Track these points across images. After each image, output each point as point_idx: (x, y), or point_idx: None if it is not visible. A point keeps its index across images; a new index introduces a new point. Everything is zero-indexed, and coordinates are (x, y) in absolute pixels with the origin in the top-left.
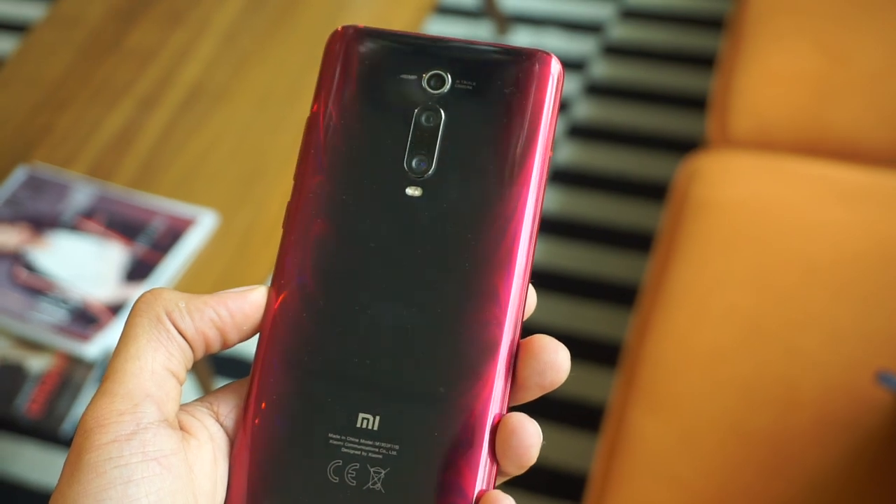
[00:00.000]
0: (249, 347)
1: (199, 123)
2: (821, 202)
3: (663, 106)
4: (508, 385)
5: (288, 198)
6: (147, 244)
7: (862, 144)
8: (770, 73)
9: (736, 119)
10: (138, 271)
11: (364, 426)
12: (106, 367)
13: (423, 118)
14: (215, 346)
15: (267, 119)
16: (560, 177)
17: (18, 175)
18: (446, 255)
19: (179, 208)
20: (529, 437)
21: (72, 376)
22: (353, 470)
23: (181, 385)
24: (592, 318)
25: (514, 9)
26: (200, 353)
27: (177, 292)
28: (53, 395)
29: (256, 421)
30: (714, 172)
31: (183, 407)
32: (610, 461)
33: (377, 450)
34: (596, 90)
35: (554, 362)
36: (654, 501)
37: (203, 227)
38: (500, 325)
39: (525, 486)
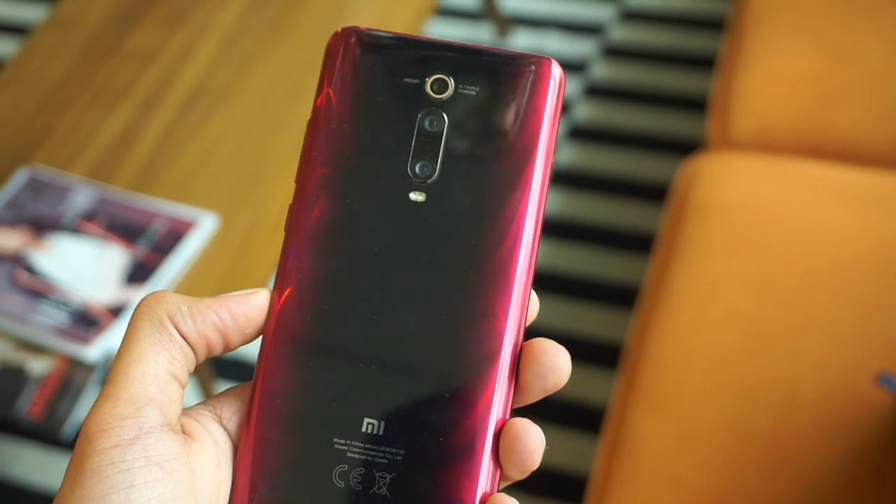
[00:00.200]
0: (251, 350)
1: (199, 125)
2: (821, 203)
3: (664, 107)
4: (511, 389)
5: (289, 200)
6: (148, 246)
7: (863, 145)
8: (770, 74)
9: (736, 120)
10: (139, 274)
11: (369, 431)
12: (107, 370)
13: (426, 123)
14: (217, 350)
15: (268, 121)
16: (560, 178)
17: (19, 177)
18: (449, 260)
19: (180, 210)
20: (533, 442)
21: (72, 379)
22: (358, 474)
23: (183, 388)
24: (593, 320)
25: (515, 10)
26: (202, 357)
27: (179, 295)
28: (54, 397)
29: (260, 425)
30: (714, 174)
31: (186, 411)
32: (610, 462)
33: (382, 454)
34: (596, 92)
35: (555, 366)
36: (654, 502)
37: (204, 229)
38: (503, 330)
39: (526, 488)
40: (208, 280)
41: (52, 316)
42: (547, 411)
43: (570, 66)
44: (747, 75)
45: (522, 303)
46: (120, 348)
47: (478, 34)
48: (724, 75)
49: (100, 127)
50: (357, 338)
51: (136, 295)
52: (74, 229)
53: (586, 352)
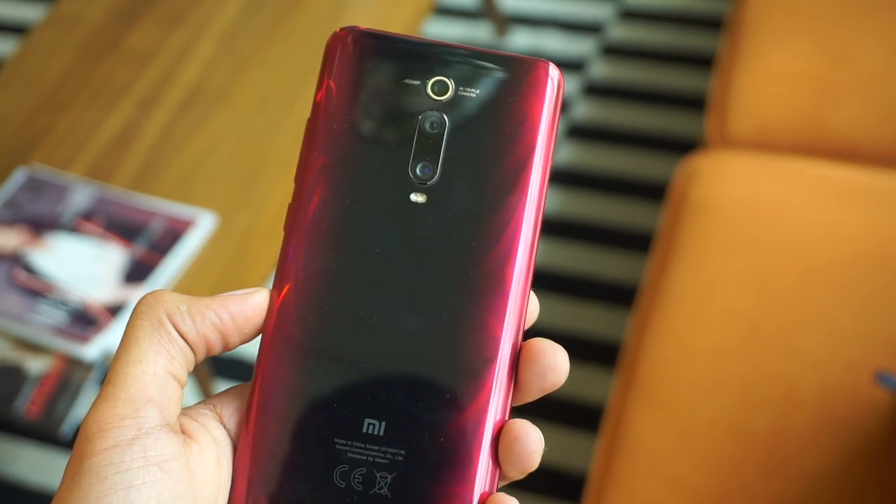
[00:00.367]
0: (250, 349)
1: (198, 125)
2: (820, 202)
3: (662, 106)
4: (511, 390)
5: (287, 199)
6: (146, 245)
7: (861, 144)
8: (769, 73)
9: (735, 119)
10: (137, 273)
11: (370, 431)
12: (105, 369)
13: (427, 124)
14: (216, 349)
15: (266, 120)
16: (559, 177)
17: (18, 177)
18: (449, 261)
19: (178, 210)
20: (532, 443)
21: (71, 378)
22: (359, 475)
23: (183, 388)
24: (591, 319)
25: (513, 9)
26: (202, 356)
27: (178, 294)
28: (52, 396)
29: (259, 424)
30: (713, 173)
31: (186, 410)
32: (609, 461)
33: (383, 455)
34: (595, 90)
35: (553, 365)
36: (653, 501)
37: (202, 228)
38: (503, 331)
39: (525, 487)
40: (206, 279)
41: (51, 315)
42: (546, 410)
43: (569, 65)
44: (746, 74)
45: (521, 304)
46: (119, 348)
47: (476, 33)
48: (723, 74)
49: (98, 126)
50: (357, 338)
51: (135, 294)
52: (73, 228)
53: (585, 350)
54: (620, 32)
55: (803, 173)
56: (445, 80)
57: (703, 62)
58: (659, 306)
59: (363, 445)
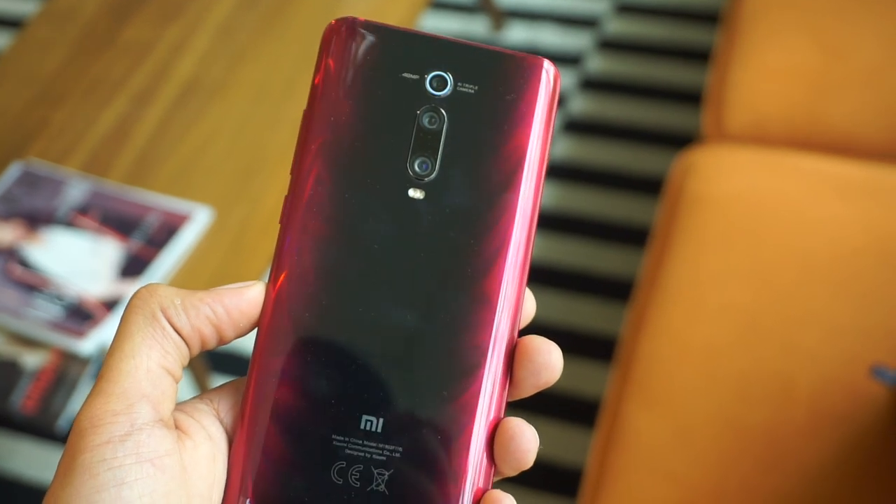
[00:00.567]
0: (247, 344)
1: (194, 119)
2: (817, 197)
3: (659, 100)
4: (506, 387)
5: (283, 194)
6: (142, 240)
7: (859, 139)
8: (766, 68)
9: (732, 113)
10: (133, 267)
11: (368, 428)
12: (101, 364)
13: (425, 120)
14: (211, 343)
15: (262, 114)
16: (555, 171)
17: (13, 171)
18: (444, 257)
19: (174, 204)
20: (527, 442)
21: (67, 372)
22: (356, 471)
23: (177, 383)
24: (587, 313)
25: (510, 3)
26: (196, 351)
27: (172, 288)
28: (48, 391)
29: (255, 420)
30: (710, 167)
31: (181, 405)
32: (605, 456)
33: (381, 452)
34: (591, 85)
35: (548, 363)
36: (649, 496)
37: (198, 222)
38: (498, 328)
39: (520, 482)
40: (202, 274)
41: (47, 309)
42: (542, 404)
43: (565, 60)
44: (742, 68)
45: (517, 301)
46: (112, 342)
47: (472, 27)
48: (720, 68)
49: (94, 120)
50: (353, 333)
51: (130, 288)
52: (68, 223)
53: (581, 345)
54: (617, 26)
55: (800, 168)
56: (445, 75)
57: (699, 56)
58: (655, 301)
59: (361, 442)
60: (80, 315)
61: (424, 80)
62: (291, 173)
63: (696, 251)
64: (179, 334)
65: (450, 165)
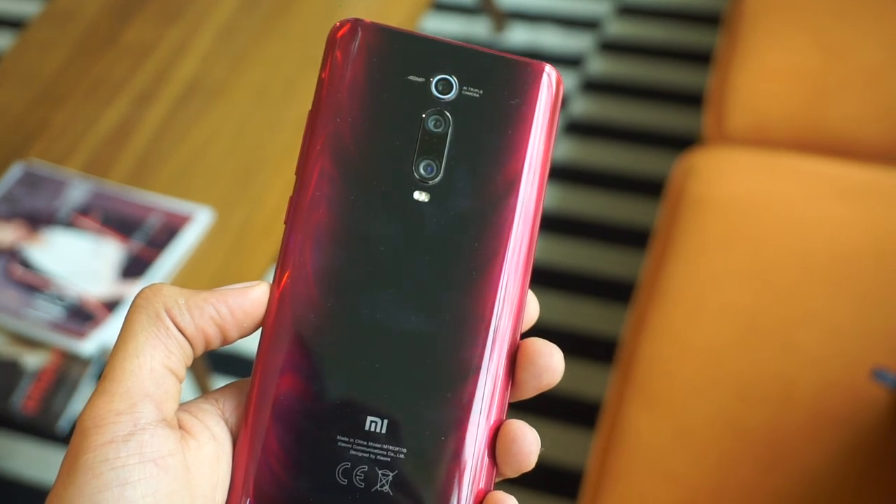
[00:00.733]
0: (249, 345)
1: (195, 120)
2: (818, 199)
3: (660, 102)
4: (508, 388)
5: (285, 195)
6: (143, 241)
7: (860, 141)
8: (767, 69)
9: (733, 115)
10: (134, 268)
11: (372, 429)
12: (102, 364)
13: (431, 123)
14: (215, 343)
15: (264, 115)
16: (557, 173)
17: (14, 172)
18: (448, 260)
19: (175, 205)
20: (529, 444)
21: (68, 373)
22: (361, 472)
23: (180, 383)
24: (588, 315)
25: (511, 5)
26: (200, 350)
27: (176, 288)
28: (49, 391)
29: (259, 421)
30: (710, 169)
31: (185, 405)
32: (606, 457)
33: (385, 453)
34: (593, 87)
35: (549, 366)
36: (649, 497)
37: (199, 223)
38: (501, 331)
39: (521, 483)
40: (203, 275)
41: (48, 310)
42: (543, 406)
43: (567, 62)
44: (744, 70)
45: (519, 303)
46: (116, 341)
47: (474, 29)
48: (721, 70)
49: (95, 121)
50: (356, 335)
51: (132, 289)
52: (69, 223)
53: (582, 347)
54: (618, 28)
55: (801, 169)
56: (450, 78)
57: (700, 58)
58: (656, 303)
59: (365, 443)
60: (81, 316)
61: (430, 83)
62: (296, 174)
63: (696, 252)
64: (183, 334)
65: (454, 169)
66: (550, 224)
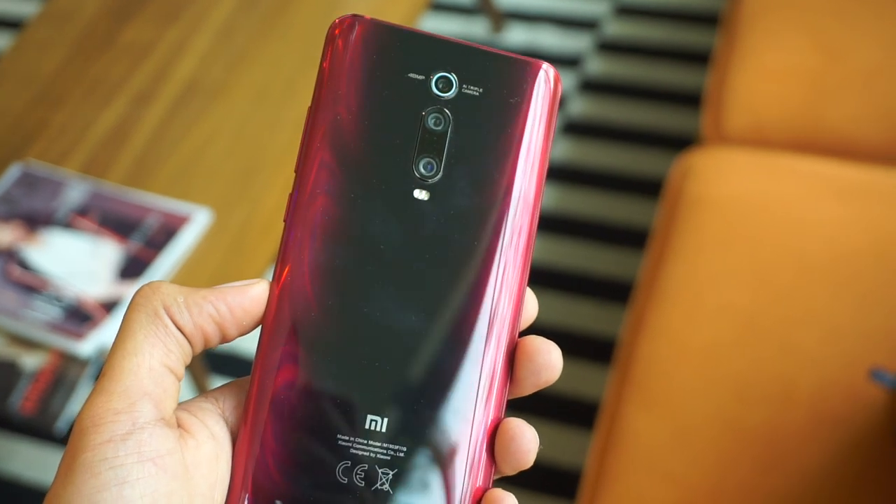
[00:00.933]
0: (246, 344)
1: (194, 120)
2: (817, 199)
3: (658, 102)
4: (507, 386)
5: (283, 196)
6: (141, 241)
7: (857, 141)
8: (765, 70)
9: (731, 115)
10: (132, 269)
11: (373, 428)
12: (100, 365)
13: (431, 121)
14: (214, 342)
15: (262, 116)
16: (555, 173)
17: (12, 172)
18: (446, 258)
19: (174, 205)
20: (528, 442)
21: (66, 374)
22: (361, 471)
23: (179, 381)
24: (586, 315)
25: (509, 5)
26: (199, 349)
27: (175, 286)
28: (47, 392)
29: (258, 420)
30: (709, 169)
31: (185, 404)
32: (604, 458)
33: (385, 451)
34: (591, 87)
35: (548, 363)
36: (648, 497)
37: (197, 224)
38: (500, 329)
39: (519, 483)
40: (202, 275)
41: (46, 311)
42: (541, 406)
43: (565, 62)
44: (742, 71)
45: (518, 301)
46: (115, 340)
47: (472, 29)
48: (719, 70)
49: (93, 122)
50: (356, 333)
51: (130, 290)
52: (67, 224)
53: (580, 347)
54: (616, 28)
55: (799, 170)
56: (449, 76)
57: (699, 58)
58: (654, 303)
59: (366, 442)
60: (79, 316)
61: (430, 80)
62: (296, 171)
63: (695, 253)
64: (182, 332)
65: (454, 167)
66: (549, 224)
